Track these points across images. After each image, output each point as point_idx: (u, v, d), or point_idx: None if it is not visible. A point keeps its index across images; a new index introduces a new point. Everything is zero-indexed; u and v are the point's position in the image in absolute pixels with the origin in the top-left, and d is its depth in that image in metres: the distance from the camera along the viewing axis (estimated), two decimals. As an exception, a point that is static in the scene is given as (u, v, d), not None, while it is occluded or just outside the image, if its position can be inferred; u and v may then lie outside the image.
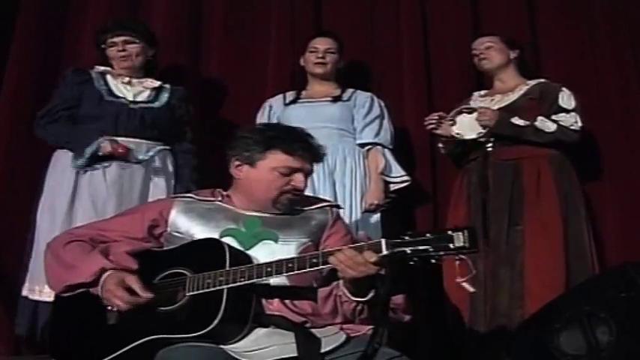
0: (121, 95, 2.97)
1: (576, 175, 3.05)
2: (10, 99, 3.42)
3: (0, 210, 3.25)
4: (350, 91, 3.23)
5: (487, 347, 2.83)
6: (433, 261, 1.63)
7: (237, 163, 2.03)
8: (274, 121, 3.12)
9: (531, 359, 2.30)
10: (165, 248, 1.99)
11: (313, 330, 1.81)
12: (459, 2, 3.67)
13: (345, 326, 1.85)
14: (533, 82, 3.15)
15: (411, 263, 1.64)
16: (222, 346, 1.71)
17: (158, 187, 2.95)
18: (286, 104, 3.21)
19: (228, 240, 1.91)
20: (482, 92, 3.26)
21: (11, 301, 2.97)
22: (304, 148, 1.99)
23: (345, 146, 3.08)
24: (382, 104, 3.23)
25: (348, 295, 1.77)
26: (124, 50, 3.00)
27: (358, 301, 1.77)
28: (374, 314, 1.78)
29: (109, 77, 3.02)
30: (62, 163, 2.90)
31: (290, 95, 3.26)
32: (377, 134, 3.13)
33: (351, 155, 3.07)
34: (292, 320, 1.82)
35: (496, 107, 3.06)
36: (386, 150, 3.14)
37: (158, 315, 1.78)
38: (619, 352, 2.08)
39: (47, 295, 2.70)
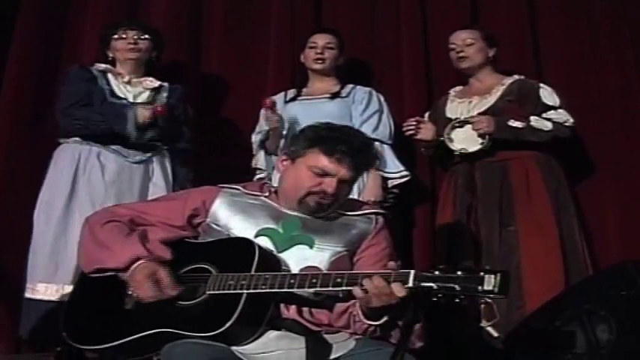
0: (122, 96, 2.97)
1: (564, 174, 3.05)
2: (10, 99, 3.43)
3: (0, 210, 3.25)
4: (349, 86, 3.22)
5: (488, 349, 2.82)
6: (457, 300, 1.58)
7: (283, 157, 2.02)
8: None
9: (531, 358, 2.30)
10: (198, 240, 1.98)
11: (325, 336, 1.81)
12: (458, 2, 3.67)
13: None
14: (509, 81, 3.11)
15: (435, 300, 1.60)
16: (229, 347, 1.70)
17: (157, 187, 2.95)
18: (286, 102, 3.21)
19: (263, 240, 1.90)
20: (458, 88, 3.23)
21: (12, 301, 2.97)
22: (345, 153, 1.90)
23: (344, 144, 3.07)
24: (381, 98, 3.22)
25: (362, 317, 1.75)
26: (135, 43, 3.03)
27: (371, 325, 1.75)
28: (385, 333, 1.78)
29: (110, 76, 3.03)
30: (63, 159, 2.90)
31: (291, 93, 3.26)
32: (375, 130, 3.11)
33: (350, 154, 3.06)
34: (304, 325, 1.81)
35: (476, 112, 3.03)
36: (385, 146, 3.12)
37: (175, 308, 1.78)
38: (619, 350, 2.07)
39: (41, 293, 2.72)
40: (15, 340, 3.10)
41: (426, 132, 3.07)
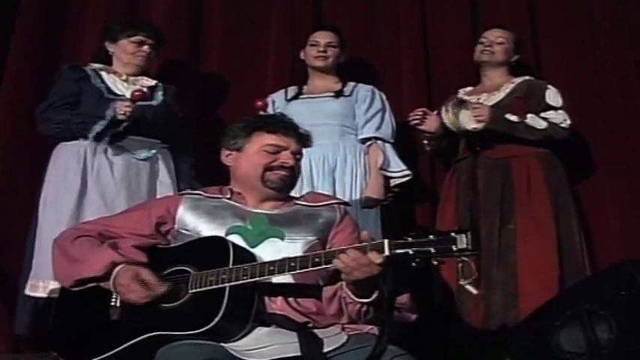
0: (120, 93, 2.96)
1: (565, 173, 3.05)
2: (9, 99, 3.42)
3: (0, 209, 3.25)
4: (351, 84, 3.22)
5: (482, 347, 2.82)
6: (435, 262, 1.65)
7: (226, 152, 2.09)
8: None
9: (531, 358, 2.30)
10: (170, 245, 1.99)
11: (315, 330, 1.81)
12: (458, 2, 3.67)
13: (345, 326, 1.85)
14: (519, 80, 3.14)
15: (413, 264, 1.64)
16: (222, 344, 1.71)
17: (164, 185, 2.96)
18: (288, 100, 3.22)
19: (234, 237, 1.92)
20: (468, 89, 3.25)
21: (11, 300, 2.97)
22: (288, 127, 2.05)
23: (347, 144, 3.08)
24: (384, 97, 3.23)
25: (352, 296, 1.77)
26: (148, 54, 3.04)
27: (362, 302, 1.77)
28: (379, 315, 1.78)
29: (104, 74, 3.01)
30: (65, 157, 2.89)
31: (291, 91, 3.26)
32: (378, 128, 3.12)
33: (352, 153, 3.07)
34: (295, 320, 1.82)
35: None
36: (387, 144, 3.13)
37: (160, 312, 1.78)
38: (619, 350, 2.08)
39: (52, 291, 2.69)
40: (14, 340, 3.09)
41: (431, 123, 3.10)
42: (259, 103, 3.01)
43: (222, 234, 1.93)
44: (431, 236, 1.63)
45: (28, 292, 2.79)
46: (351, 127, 3.14)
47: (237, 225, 1.97)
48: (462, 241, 1.60)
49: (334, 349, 1.75)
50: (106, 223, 2.04)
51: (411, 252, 1.63)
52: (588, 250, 3.03)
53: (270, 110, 3.19)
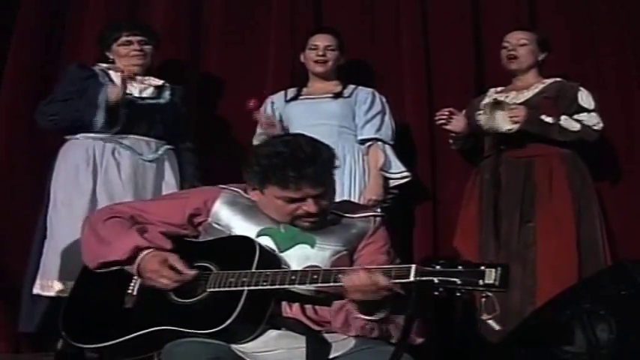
0: (127, 92, 2.94)
1: (589, 174, 3.05)
2: (9, 99, 3.43)
3: (0, 209, 3.25)
4: (351, 87, 3.23)
5: (497, 345, 2.82)
6: (458, 294, 1.60)
7: (250, 188, 1.98)
8: (277, 116, 3.15)
9: (531, 357, 2.30)
10: (198, 239, 1.98)
11: (325, 335, 1.81)
12: (458, 2, 3.67)
13: None
14: (549, 81, 3.13)
15: (436, 293, 1.61)
16: (230, 345, 1.71)
17: (169, 186, 2.97)
18: (287, 101, 3.22)
19: (265, 239, 1.90)
20: (499, 89, 3.23)
21: (12, 300, 2.97)
22: (299, 178, 1.81)
23: (345, 144, 3.07)
24: (383, 100, 3.23)
25: (356, 312, 1.75)
26: (140, 50, 3.02)
27: (366, 320, 1.75)
28: (386, 332, 1.78)
29: (112, 73, 3.02)
30: (74, 157, 2.89)
31: (291, 92, 3.26)
32: (378, 130, 3.13)
33: (351, 153, 3.08)
34: (305, 324, 1.81)
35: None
36: (387, 146, 3.14)
37: (174, 306, 1.78)
38: (619, 349, 2.08)
39: (61, 291, 2.70)
40: (15, 340, 3.10)
41: (457, 123, 3.10)
42: (251, 103, 3.01)
43: (253, 234, 1.90)
44: (460, 267, 1.59)
45: (37, 291, 2.79)
46: (350, 128, 3.14)
47: (270, 227, 1.93)
48: (491, 277, 1.55)
49: (341, 355, 1.75)
50: (140, 208, 2.03)
51: (436, 280, 1.59)
52: (611, 251, 3.01)
53: (269, 110, 3.19)
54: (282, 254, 1.88)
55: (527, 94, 3.10)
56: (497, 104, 3.00)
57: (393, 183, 3.11)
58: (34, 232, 2.92)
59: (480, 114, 3.01)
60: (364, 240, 1.98)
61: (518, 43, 3.14)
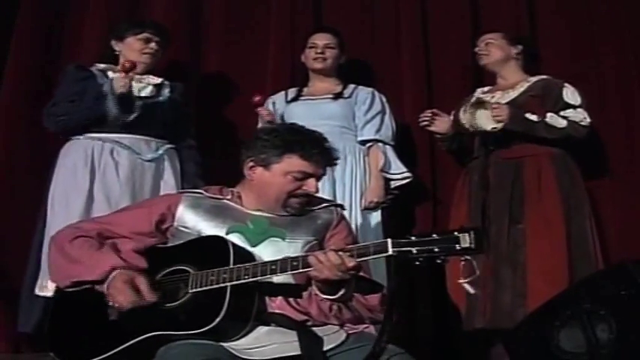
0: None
1: (579, 173, 3.04)
2: (9, 99, 3.42)
3: (1, 209, 3.25)
4: (351, 87, 3.23)
5: (488, 346, 2.82)
6: (438, 261, 1.65)
7: (251, 164, 2.02)
8: (278, 117, 3.15)
9: (531, 357, 2.30)
10: (169, 244, 1.99)
11: (314, 329, 1.82)
12: (458, 2, 3.67)
13: (344, 324, 1.87)
14: (534, 79, 3.14)
15: (417, 263, 1.65)
16: (222, 344, 1.71)
17: (168, 185, 2.96)
18: (288, 102, 3.22)
19: (235, 237, 1.92)
20: (486, 89, 3.25)
21: (12, 300, 2.97)
22: (320, 154, 1.99)
23: (346, 144, 3.07)
24: (384, 99, 3.23)
25: (318, 292, 1.80)
26: (157, 51, 3.04)
27: (328, 299, 1.79)
28: (356, 312, 1.83)
29: (110, 74, 3.01)
30: (73, 156, 2.89)
31: (292, 92, 3.27)
32: (378, 130, 3.13)
33: (352, 153, 3.08)
34: (294, 319, 1.82)
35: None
36: (387, 146, 3.14)
37: (160, 312, 1.78)
38: (619, 350, 2.08)
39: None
40: (15, 340, 3.09)
41: (441, 124, 3.13)
42: (257, 98, 3.03)
43: (222, 233, 1.93)
44: (434, 235, 1.64)
45: (37, 291, 2.79)
46: (351, 129, 3.15)
47: (238, 224, 1.97)
48: (466, 240, 1.61)
49: (334, 348, 1.76)
50: (107, 221, 2.04)
51: (414, 251, 1.64)
52: (603, 251, 3.01)
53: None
54: (253, 249, 1.91)
55: (512, 94, 3.10)
56: (479, 104, 3.01)
57: (394, 184, 3.11)
58: (34, 232, 2.92)
59: (463, 113, 3.01)
60: (330, 230, 2.05)
61: (485, 44, 3.19)
